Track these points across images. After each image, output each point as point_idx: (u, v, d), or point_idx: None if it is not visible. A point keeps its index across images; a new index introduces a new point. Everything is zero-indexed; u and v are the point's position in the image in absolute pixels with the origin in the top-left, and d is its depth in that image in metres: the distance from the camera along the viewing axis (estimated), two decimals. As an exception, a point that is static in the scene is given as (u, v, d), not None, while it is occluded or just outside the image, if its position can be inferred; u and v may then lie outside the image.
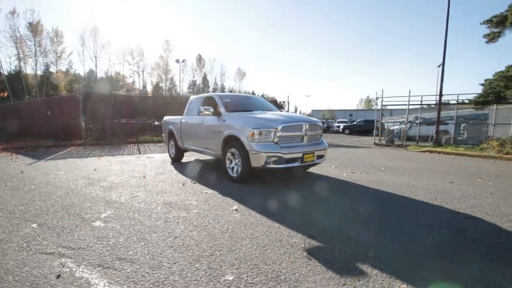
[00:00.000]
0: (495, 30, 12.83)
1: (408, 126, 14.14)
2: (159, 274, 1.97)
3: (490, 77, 14.35)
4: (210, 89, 66.13)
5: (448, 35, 12.10)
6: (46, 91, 43.56)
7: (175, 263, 2.12)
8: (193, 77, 67.28)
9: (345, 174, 5.80)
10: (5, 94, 34.78)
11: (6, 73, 40.88)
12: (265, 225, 2.91)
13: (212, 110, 5.41)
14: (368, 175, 5.74)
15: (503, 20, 12.12)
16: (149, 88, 62.50)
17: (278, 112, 5.72)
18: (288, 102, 18.71)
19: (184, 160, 7.35)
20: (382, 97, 14.45)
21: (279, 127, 4.44)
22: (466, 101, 14.02)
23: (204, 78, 68.26)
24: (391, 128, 15.28)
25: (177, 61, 53.43)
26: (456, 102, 13.81)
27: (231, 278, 1.92)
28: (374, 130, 15.65)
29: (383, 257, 2.27)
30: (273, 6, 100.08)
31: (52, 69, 47.37)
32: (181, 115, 7.18)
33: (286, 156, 4.38)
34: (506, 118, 13.10)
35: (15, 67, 43.20)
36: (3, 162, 6.86)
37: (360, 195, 4.32)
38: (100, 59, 68.10)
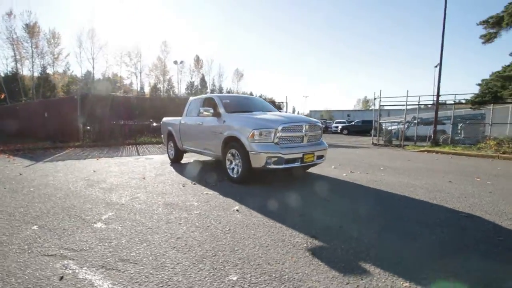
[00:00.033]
0: (491, 30, 12.94)
1: (406, 126, 14.22)
2: (162, 275, 1.96)
3: (488, 77, 14.45)
4: (208, 90, 66.11)
5: (446, 36, 12.23)
6: (43, 93, 43.31)
7: (178, 263, 2.12)
8: (191, 78, 67.26)
9: (344, 174, 5.82)
10: (2, 96, 34.54)
11: (2, 74, 40.67)
12: (266, 225, 2.91)
13: (212, 111, 5.41)
14: (368, 175, 5.77)
15: (499, 21, 12.24)
16: (147, 89, 62.36)
17: (278, 113, 5.74)
18: (286, 103, 18.76)
19: (183, 161, 7.33)
20: (380, 98, 14.53)
21: (279, 128, 4.45)
22: (463, 101, 14.12)
23: (202, 79, 68.23)
24: (389, 128, 15.37)
25: (175, 62, 53.47)
26: (453, 102, 13.91)
27: (235, 278, 1.92)
28: (372, 130, 15.72)
29: (385, 256, 2.28)
30: (271, 7, 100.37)
31: (49, 70, 47.17)
32: (180, 116, 7.18)
33: (286, 157, 4.39)
34: (502, 118, 13.22)
35: (12, 68, 42.99)
36: (1, 164, 6.81)
37: (360, 195, 4.34)
38: (97, 61, 67.80)
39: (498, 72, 13.52)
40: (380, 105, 14.74)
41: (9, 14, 40.58)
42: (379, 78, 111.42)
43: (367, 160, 8.20)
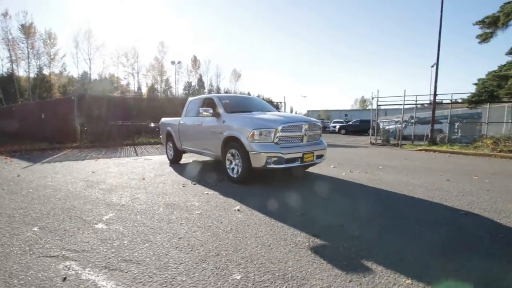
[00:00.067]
0: (487, 30, 13.08)
1: (403, 125, 14.31)
2: (166, 274, 1.97)
3: (484, 76, 14.58)
4: (206, 90, 66.04)
5: (444, 35, 12.34)
6: (39, 94, 43.05)
7: (181, 263, 2.12)
8: (189, 78, 67.13)
9: (344, 174, 5.85)
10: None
11: (-2, 75, 40.34)
12: (268, 225, 2.92)
13: (211, 111, 5.41)
14: (367, 174, 5.80)
15: (495, 21, 12.37)
16: (144, 90, 62.15)
17: (277, 113, 5.75)
18: (285, 103, 18.78)
19: (182, 161, 7.32)
20: (378, 97, 14.60)
21: (279, 128, 4.46)
22: (460, 101, 14.24)
23: (200, 80, 68.14)
24: (387, 127, 15.45)
25: (173, 62, 53.35)
26: (450, 102, 14.02)
27: (239, 277, 1.93)
28: (370, 130, 15.80)
29: (387, 254, 2.30)
30: (269, 7, 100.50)
31: (46, 71, 46.87)
32: (177, 116, 7.16)
33: (286, 156, 4.40)
34: (499, 117, 13.34)
35: (7, 69, 42.72)
36: (-2, 165, 6.76)
37: (360, 194, 4.36)
38: (94, 61, 67.70)
39: (494, 71, 13.66)
40: (378, 105, 14.81)
41: (5, 14, 40.37)
42: (379, 78, 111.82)
43: (365, 159, 8.24)
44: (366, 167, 6.71)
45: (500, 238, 2.65)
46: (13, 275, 1.97)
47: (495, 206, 3.65)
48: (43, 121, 13.82)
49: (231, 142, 4.85)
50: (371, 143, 14.82)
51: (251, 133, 4.43)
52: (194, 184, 4.81)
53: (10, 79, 41.14)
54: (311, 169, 6.03)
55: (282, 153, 4.36)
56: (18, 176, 5.48)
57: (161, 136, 8.10)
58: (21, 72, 44.94)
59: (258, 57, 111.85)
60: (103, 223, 2.97)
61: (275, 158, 4.35)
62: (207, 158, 7.12)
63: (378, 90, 14.57)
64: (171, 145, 7.27)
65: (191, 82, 66.90)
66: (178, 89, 64.04)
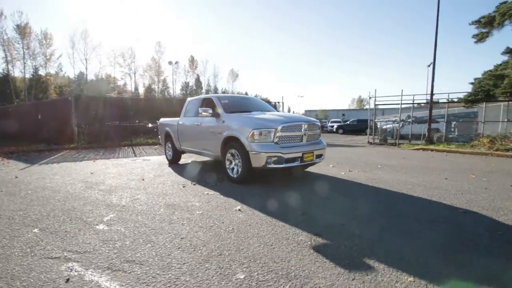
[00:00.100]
0: (483, 30, 13.19)
1: (400, 125, 14.40)
2: (169, 274, 1.97)
3: (480, 75, 14.70)
4: (203, 90, 65.91)
5: (441, 35, 12.42)
6: (35, 94, 42.67)
7: (184, 263, 2.12)
8: (186, 78, 67.03)
9: (343, 173, 5.87)
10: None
11: (-7, 76, 39.96)
12: (270, 224, 2.93)
13: (210, 111, 5.41)
14: (366, 173, 5.83)
15: (491, 21, 12.48)
16: (141, 90, 61.95)
17: (277, 113, 5.76)
18: (283, 103, 18.77)
19: (181, 162, 7.31)
20: (375, 97, 14.67)
21: (279, 127, 4.48)
22: (456, 100, 14.34)
23: (197, 80, 68.02)
24: (384, 127, 15.53)
25: (170, 62, 53.20)
26: (446, 101, 14.13)
27: (242, 277, 1.94)
28: (368, 129, 15.87)
29: (388, 252, 2.31)
30: (268, 7, 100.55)
31: (41, 72, 46.50)
32: (175, 116, 7.14)
33: (286, 156, 4.41)
34: (495, 116, 13.48)
35: (3, 70, 42.28)
36: (-4, 167, 6.70)
37: (359, 193, 4.39)
38: (90, 62, 67.41)
39: (490, 70, 13.77)
40: (375, 104, 14.89)
41: (0, 14, 39.91)
42: (379, 78, 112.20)
43: (364, 159, 8.28)
44: (365, 166, 6.74)
45: (499, 235, 2.68)
46: (15, 277, 1.96)
47: (493, 204, 3.69)
48: (40, 122, 13.72)
49: (231, 142, 4.85)
50: (368, 142, 14.89)
51: (251, 133, 4.43)
52: (194, 184, 4.81)
53: (5, 79, 40.75)
54: (310, 169, 6.06)
55: (282, 153, 4.38)
56: (16, 177, 5.44)
57: (159, 136, 8.07)
58: (16, 72, 44.63)
59: (256, 57, 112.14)
60: (104, 224, 2.96)
61: (275, 158, 4.36)
62: (206, 158, 7.11)
63: (375, 90, 14.64)
64: (170, 145, 7.25)
65: (188, 82, 66.82)
66: (176, 89, 63.97)
